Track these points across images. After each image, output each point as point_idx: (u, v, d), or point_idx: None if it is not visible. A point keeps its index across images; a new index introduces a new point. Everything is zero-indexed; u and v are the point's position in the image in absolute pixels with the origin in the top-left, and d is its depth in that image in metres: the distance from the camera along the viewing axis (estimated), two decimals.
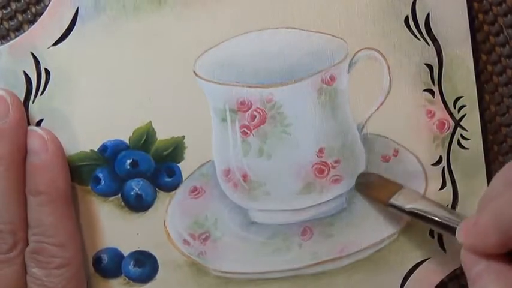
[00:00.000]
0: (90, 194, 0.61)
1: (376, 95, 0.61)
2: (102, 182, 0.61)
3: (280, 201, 0.61)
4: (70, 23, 0.58)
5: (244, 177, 0.61)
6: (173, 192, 0.62)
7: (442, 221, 0.56)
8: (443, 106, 0.61)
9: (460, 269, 0.63)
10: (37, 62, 0.59)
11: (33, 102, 0.59)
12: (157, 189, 0.62)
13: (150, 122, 0.60)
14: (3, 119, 0.56)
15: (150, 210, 0.61)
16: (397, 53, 0.60)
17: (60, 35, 0.59)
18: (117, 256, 0.62)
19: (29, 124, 0.59)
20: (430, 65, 0.61)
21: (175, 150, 0.61)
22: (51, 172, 0.57)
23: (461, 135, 0.62)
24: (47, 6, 0.59)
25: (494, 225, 0.49)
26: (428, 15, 0.60)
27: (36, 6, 0.60)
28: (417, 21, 0.60)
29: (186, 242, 0.62)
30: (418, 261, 0.63)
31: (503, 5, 0.62)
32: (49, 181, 0.57)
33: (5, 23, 0.60)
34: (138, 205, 0.61)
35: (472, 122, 0.62)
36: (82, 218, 0.61)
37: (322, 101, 0.59)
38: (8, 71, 0.59)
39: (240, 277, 0.63)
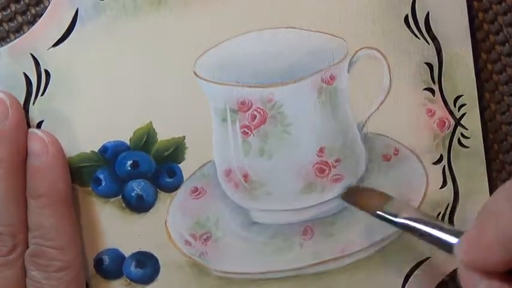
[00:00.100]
0: (91, 195, 0.61)
1: (376, 94, 0.61)
2: (103, 183, 0.61)
3: (281, 201, 0.61)
4: (70, 24, 0.58)
5: (245, 177, 0.61)
6: (174, 192, 0.62)
7: (435, 234, 0.53)
8: (443, 105, 0.62)
9: None
10: (37, 63, 0.59)
11: (33, 103, 0.59)
12: (158, 189, 0.62)
13: (151, 122, 0.60)
14: (3, 121, 0.56)
15: (151, 211, 0.61)
16: (397, 52, 0.60)
17: (60, 36, 0.59)
18: (118, 257, 0.62)
19: (29, 126, 0.59)
20: (430, 63, 0.61)
21: (176, 150, 0.61)
22: (52, 174, 0.57)
23: (462, 134, 0.62)
24: (46, 8, 0.59)
25: (499, 242, 0.46)
26: (428, 14, 0.60)
27: (36, 8, 0.60)
28: (417, 20, 0.60)
29: (187, 242, 0.62)
30: (419, 260, 0.63)
31: (503, 3, 0.62)
32: (50, 183, 0.57)
33: (4, 24, 0.60)
34: (139, 206, 0.61)
35: (472, 121, 0.62)
36: (83, 220, 0.61)
37: (323, 100, 0.59)
38: (8, 73, 0.59)
39: (242, 277, 0.63)
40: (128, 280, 0.62)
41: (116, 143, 0.60)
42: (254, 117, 0.59)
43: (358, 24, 0.60)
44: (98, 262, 0.62)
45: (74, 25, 0.59)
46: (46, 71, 0.59)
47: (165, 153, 0.61)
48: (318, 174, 0.60)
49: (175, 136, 0.60)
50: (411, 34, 0.60)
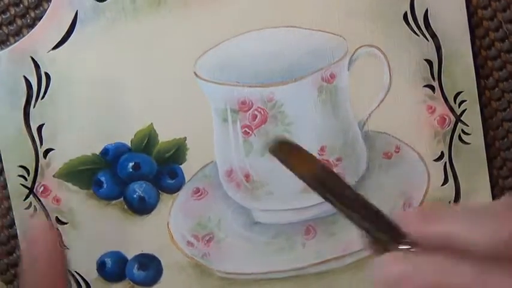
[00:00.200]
0: (92, 197, 0.61)
1: (376, 91, 0.61)
2: (105, 186, 0.61)
3: (283, 200, 0.61)
4: (69, 26, 0.59)
5: (247, 177, 0.61)
6: (176, 194, 0.62)
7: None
8: (443, 101, 0.61)
9: None
10: (37, 66, 0.59)
11: (34, 106, 0.59)
12: (160, 191, 0.62)
13: (152, 124, 0.60)
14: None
15: (153, 212, 0.62)
16: (396, 49, 0.60)
17: (59, 39, 0.59)
18: (120, 260, 0.62)
19: (30, 128, 0.59)
20: (430, 60, 0.61)
21: (177, 151, 0.61)
22: None
23: (462, 130, 0.62)
24: (46, 11, 0.59)
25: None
26: (426, 11, 0.60)
27: (35, 11, 0.60)
28: (416, 17, 0.60)
29: (189, 243, 0.62)
30: None
31: (502, 0, 0.62)
32: None
33: (4, 27, 0.60)
34: (141, 208, 0.61)
35: (473, 117, 0.62)
36: (85, 223, 0.61)
37: (323, 99, 0.59)
38: (8, 76, 0.59)
39: (244, 278, 0.63)
40: (131, 282, 0.62)
41: (117, 145, 0.60)
42: (255, 117, 0.59)
43: (357, 23, 0.60)
44: (101, 265, 0.62)
45: (74, 27, 0.59)
46: (46, 74, 0.59)
47: (166, 155, 0.61)
48: None
49: (176, 137, 0.60)
50: (410, 31, 0.60)
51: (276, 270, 0.63)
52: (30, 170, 0.61)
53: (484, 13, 0.62)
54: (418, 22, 0.60)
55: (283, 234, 0.63)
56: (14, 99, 0.59)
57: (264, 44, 0.60)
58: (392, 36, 0.60)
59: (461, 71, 0.61)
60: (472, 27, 0.62)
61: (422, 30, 0.60)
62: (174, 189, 0.62)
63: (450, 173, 0.62)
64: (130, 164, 0.61)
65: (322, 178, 0.50)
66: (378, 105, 0.61)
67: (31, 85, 0.59)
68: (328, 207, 0.62)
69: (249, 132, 0.60)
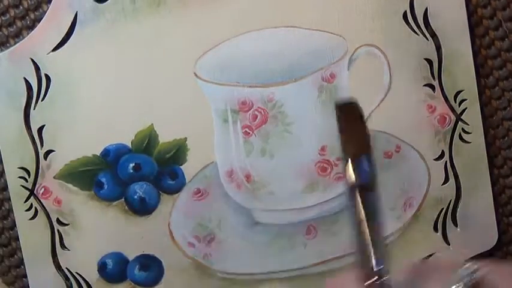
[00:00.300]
0: (93, 198, 0.61)
1: (376, 91, 0.61)
2: (106, 187, 0.61)
3: (284, 200, 0.61)
4: (69, 28, 0.59)
5: (248, 177, 0.61)
6: (176, 194, 0.62)
7: None
8: (443, 100, 0.62)
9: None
10: (37, 68, 0.59)
11: (34, 108, 0.59)
12: (160, 192, 0.62)
13: (152, 124, 0.60)
14: None
15: (153, 213, 0.62)
16: (396, 48, 0.60)
17: (59, 40, 0.59)
18: (122, 261, 0.62)
19: (30, 131, 0.59)
20: (430, 59, 0.61)
21: (177, 152, 0.61)
22: None
23: (463, 129, 0.62)
24: (45, 12, 0.59)
25: None
26: (426, 10, 0.60)
27: (35, 12, 0.60)
28: (415, 16, 0.60)
29: (190, 244, 0.62)
30: (423, 256, 0.63)
31: None
32: None
33: (4, 29, 0.60)
34: (142, 209, 0.61)
35: (473, 116, 0.62)
36: (86, 224, 0.61)
37: (323, 98, 0.59)
38: (8, 78, 0.59)
39: (246, 278, 0.63)
40: (132, 283, 0.62)
41: (117, 146, 0.60)
42: (255, 117, 0.59)
43: (357, 22, 0.60)
44: (102, 266, 0.62)
45: (73, 29, 0.59)
46: (46, 76, 0.59)
47: (167, 156, 0.61)
48: (320, 172, 0.60)
49: (176, 138, 0.60)
50: (410, 30, 0.60)
51: (277, 270, 0.63)
52: (30, 172, 0.61)
53: (483, 12, 0.62)
54: (417, 21, 0.60)
55: (284, 234, 0.63)
56: (14, 101, 0.59)
57: (264, 44, 0.60)
58: (392, 35, 0.60)
59: (461, 70, 0.61)
60: (472, 26, 0.62)
61: (422, 30, 0.60)
62: (174, 190, 0.62)
63: (451, 172, 0.63)
64: (131, 165, 0.61)
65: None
66: (378, 105, 0.61)
67: (31, 87, 0.59)
68: (329, 207, 0.62)
69: (249, 133, 0.60)
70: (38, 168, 0.61)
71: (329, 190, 0.61)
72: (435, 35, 0.61)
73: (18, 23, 0.60)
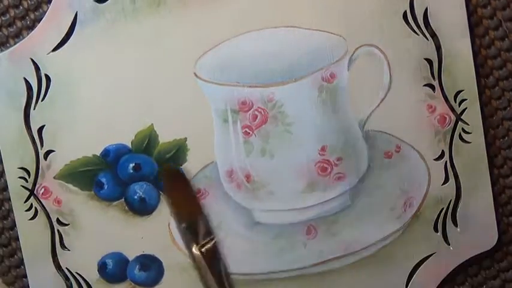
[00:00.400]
0: (94, 199, 0.61)
1: (376, 91, 0.61)
2: (106, 187, 0.61)
3: (284, 200, 0.61)
4: (69, 28, 0.59)
5: (248, 177, 0.61)
6: None
7: None
8: (443, 100, 0.61)
9: (465, 263, 0.64)
10: (37, 68, 0.59)
11: (34, 108, 0.60)
12: (160, 192, 0.62)
13: (152, 125, 0.60)
14: None
15: (154, 213, 0.62)
16: (396, 48, 0.60)
17: (59, 41, 0.59)
18: (122, 261, 0.62)
19: (30, 131, 0.59)
20: (430, 59, 0.61)
21: (177, 152, 0.61)
22: None
23: (463, 129, 0.62)
24: (45, 12, 0.59)
25: None
26: (426, 10, 0.60)
27: (35, 12, 0.60)
28: (415, 16, 0.60)
29: None
30: (423, 256, 0.63)
31: None
32: None
33: (4, 29, 0.60)
34: (142, 209, 0.61)
35: (473, 116, 0.62)
36: (86, 224, 0.61)
37: (323, 98, 0.59)
38: (8, 78, 0.59)
39: (246, 278, 0.63)
40: (132, 283, 0.62)
41: (117, 146, 0.61)
42: (255, 117, 0.59)
43: (357, 22, 0.60)
44: (102, 266, 0.62)
45: (73, 29, 0.59)
46: (46, 76, 0.59)
47: (167, 156, 0.61)
48: (320, 173, 0.60)
49: (176, 138, 0.60)
50: (410, 30, 0.60)
51: (277, 270, 0.63)
52: (30, 172, 0.61)
53: (483, 12, 0.62)
54: (417, 21, 0.60)
55: (284, 234, 0.63)
56: (14, 101, 0.60)
57: (264, 44, 0.60)
58: (392, 35, 0.60)
59: (461, 69, 0.61)
60: (472, 26, 0.62)
61: (422, 29, 0.60)
62: None
63: (451, 172, 0.62)
64: (131, 165, 0.61)
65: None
66: (378, 105, 0.61)
67: (31, 87, 0.59)
68: (329, 207, 0.62)
69: (249, 133, 0.60)
70: (38, 168, 0.61)
71: (329, 190, 0.61)
72: (435, 35, 0.61)
73: (18, 23, 0.60)
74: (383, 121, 0.61)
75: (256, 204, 0.62)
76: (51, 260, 0.62)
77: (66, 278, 0.62)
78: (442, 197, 0.63)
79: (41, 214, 0.61)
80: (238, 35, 0.59)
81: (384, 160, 0.62)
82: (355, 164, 0.62)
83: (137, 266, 0.62)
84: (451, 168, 0.62)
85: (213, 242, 0.60)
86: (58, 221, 0.61)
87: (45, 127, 0.60)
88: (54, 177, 0.61)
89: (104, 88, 0.59)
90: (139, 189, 0.61)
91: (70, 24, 0.59)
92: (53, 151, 0.61)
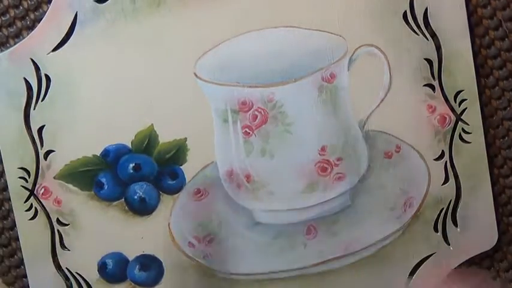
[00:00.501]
0: (93, 199, 0.61)
1: (376, 91, 0.61)
2: (106, 187, 0.61)
3: (284, 200, 0.61)
4: (69, 28, 0.59)
5: (248, 177, 0.61)
6: (177, 195, 0.62)
7: None
8: (443, 100, 0.61)
9: (465, 263, 0.64)
10: (37, 68, 0.59)
11: (34, 108, 0.60)
12: (160, 192, 0.62)
13: (152, 125, 0.60)
14: None
15: (154, 213, 0.62)
16: (396, 48, 0.60)
17: (59, 41, 0.59)
18: (122, 261, 0.62)
19: (30, 129, 0.59)
20: (430, 59, 0.61)
21: (177, 152, 0.61)
22: None
23: (463, 129, 0.62)
24: (45, 12, 0.59)
25: None
26: (426, 10, 0.60)
27: (35, 13, 0.60)
28: (415, 16, 0.60)
29: (191, 244, 0.62)
30: (423, 256, 0.63)
31: None
32: None
33: (4, 29, 0.60)
34: (142, 209, 0.61)
35: (473, 116, 0.62)
36: (86, 224, 0.61)
37: (323, 99, 0.59)
38: (8, 78, 0.59)
39: (246, 278, 0.63)
40: (132, 283, 0.63)
41: (117, 146, 0.61)
42: (255, 117, 0.59)
43: (357, 22, 0.60)
44: (102, 266, 0.62)
45: (73, 29, 0.59)
46: (46, 76, 0.59)
47: (167, 156, 0.61)
48: (320, 173, 0.60)
49: (176, 138, 0.61)
50: (410, 30, 0.60)
51: (277, 270, 0.63)
52: (30, 172, 0.61)
53: (483, 12, 0.62)
54: (417, 21, 0.60)
55: (285, 234, 0.63)
56: (14, 101, 0.60)
57: (264, 44, 0.60)
58: (392, 35, 0.60)
59: (461, 70, 0.61)
60: (472, 26, 0.62)
61: (422, 29, 0.60)
62: (174, 190, 0.62)
63: (451, 172, 0.62)
64: (131, 165, 0.61)
65: None
66: (378, 105, 0.61)
67: (31, 87, 0.59)
68: (329, 207, 0.62)
69: (249, 133, 0.60)
70: (38, 168, 0.61)
71: (329, 190, 0.61)
72: (435, 35, 0.61)
73: (18, 23, 0.60)
74: (383, 121, 0.61)
75: (256, 204, 0.62)
76: (51, 260, 0.62)
77: (66, 278, 0.62)
78: (442, 197, 0.63)
79: (41, 214, 0.61)
80: (238, 35, 0.59)
81: (384, 160, 0.62)
82: (355, 164, 0.62)
83: (137, 266, 0.62)
84: (451, 168, 0.62)
85: None
86: (58, 221, 0.61)
87: (45, 127, 0.60)
88: (54, 177, 0.61)
89: (104, 88, 0.60)
90: (139, 189, 0.61)
91: (70, 24, 0.59)
92: (53, 151, 0.61)
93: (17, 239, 0.62)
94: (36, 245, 0.62)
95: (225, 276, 0.63)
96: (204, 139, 0.61)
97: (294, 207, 0.62)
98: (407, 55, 0.61)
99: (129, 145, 0.61)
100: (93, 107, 0.60)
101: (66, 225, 0.61)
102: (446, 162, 0.62)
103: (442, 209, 0.63)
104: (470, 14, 0.61)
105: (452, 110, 0.62)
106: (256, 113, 0.59)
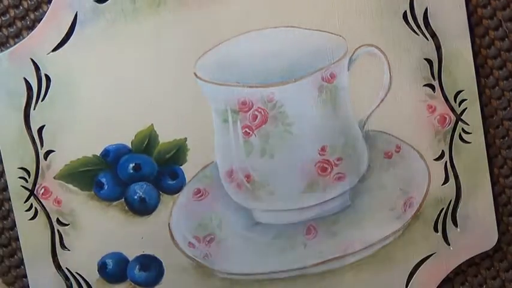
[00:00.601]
0: (94, 199, 0.61)
1: (376, 91, 0.61)
2: (106, 187, 0.61)
3: (284, 200, 0.61)
4: (69, 28, 0.59)
5: (248, 177, 0.61)
6: (177, 195, 0.62)
7: None
8: (443, 100, 0.61)
9: (465, 263, 0.64)
10: (37, 68, 0.59)
11: (34, 108, 0.60)
12: (160, 192, 0.62)
13: (152, 125, 0.60)
14: None
15: (154, 213, 0.62)
16: (396, 48, 0.60)
17: (59, 41, 0.59)
18: (122, 261, 0.62)
19: (30, 129, 0.59)
20: (430, 59, 0.61)
21: (177, 152, 0.61)
22: None
23: (463, 129, 0.62)
24: (45, 12, 0.59)
25: None
26: (426, 10, 0.60)
27: (35, 13, 0.60)
28: (415, 16, 0.60)
29: (191, 244, 0.62)
30: (423, 256, 0.63)
31: None
32: None
33: (4, 29, 0.60)
34: (142, 209, 0.62)
35: (473, 116, 0.62)
36: (86, 224, 0.61)
37: (323, 99, 0.59)
38: (8, 78, 0.59)
39: (246, 278, 0.63)
40: (132, 283, 0.63)
41: (117, 146, 0.61)
42: (255, 117, 0.59)
43: (357, 22, 0.60)
44: (102, 266, 0.62)
45: (73, 29, 0.59)
46: (46, 76, 0.59)
47: (167, 156, 0.61)
48: (320, 173, 0.60)
49: (176, 138, 0.61)
50: (410, 30, 0.60)
51: (277, 270, 0.63)
52: (30, 172, 0.61)
53: (483, 12, 0.62)
54: (417, 21, 0.60)
55: (284, 234, 0.63)
56: (14, 101, 0.60)
57: (264, 44, 0.60)
58: (392, 35, 0.60)
59: (462, 70, 0.61)
60: (472, 26, 0.62)
61: (422, 30, 0.60)
62: (174, 190, 0.62)
63: (451, 172, 0.62)
64: (131, 165, 0.61)
65: None
66: (378, 105, 0.61)
67: (31, 87, 0.59)
68: (329, 207, 0.62)
69: (249, 133, 0.60)
70: (38, 168, 0.61)
71: (329, 190, 0.61)
72: (435, 35, 0.61)
73: (18, 23, 0.60)
74: (383, 121, 0.61)
75: (256, 204, 0.62)
76: (51, 260, 0.62)
77: (66, 278, 0.62)
78: (442, 197, 0.63)
79: (41, 214, 0.61)
80: (238, 35, 0.59)
81: (384, 160, 0.62)
82: (355, 164, 0.62)
83: (137, 266, 0.62)
84: (451, 168, 0.62)
85: None
86: (58, 221, 0.61)
87: (45, 127, 0.60)
88: (54, 177, 0.61)
89: (104, 88, 0.60)
90: (139, 189, 0.61)
91: (70, 24, 0.59)
92: (53, 151, 0.61)
93: (17, 239, 0.62)
94: (36, 245, 0.62)
95: (224, 276, 0.63)
96: (204, 139, 0.61)
97: (294, 207, 0.62)
98: (407, 55, 0.61)
99: (129, 145, 0.61)
100: (93, 107, 0.60)
101: (66, 225, 0.61)
102: (446, 162, 0.62)
103: (442, 209, 0.63)
104: (470, 14, 0.61)
105: (452, 110, 0.62)
106: (256, 113, 0.59)
